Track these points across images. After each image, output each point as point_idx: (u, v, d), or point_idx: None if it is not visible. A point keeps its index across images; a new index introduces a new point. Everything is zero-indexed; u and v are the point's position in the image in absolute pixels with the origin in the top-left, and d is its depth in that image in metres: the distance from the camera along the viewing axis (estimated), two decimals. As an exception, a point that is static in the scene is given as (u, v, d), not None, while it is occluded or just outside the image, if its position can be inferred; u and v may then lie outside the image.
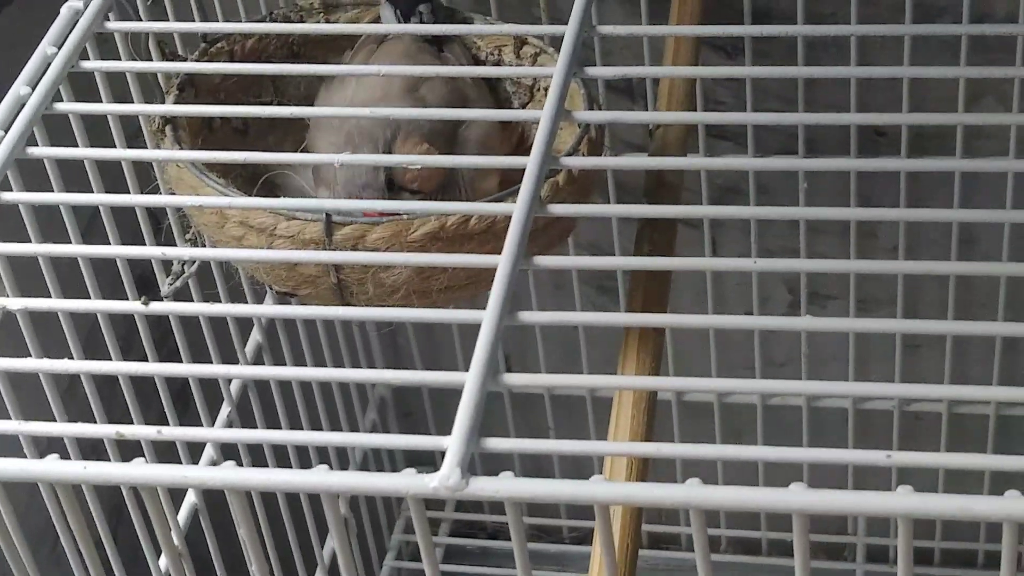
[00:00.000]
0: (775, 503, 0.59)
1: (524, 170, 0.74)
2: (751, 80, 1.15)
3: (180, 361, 0.98)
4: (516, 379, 0.67)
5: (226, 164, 0.90)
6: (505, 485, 0.60)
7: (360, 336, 1.35)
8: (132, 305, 0.69)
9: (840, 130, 1.18)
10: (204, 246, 0.91)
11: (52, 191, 0.83)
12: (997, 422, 1.30)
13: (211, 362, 1.02)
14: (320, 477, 0.61)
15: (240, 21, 1.01)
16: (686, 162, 0.96)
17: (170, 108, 0.89)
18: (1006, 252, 1.20)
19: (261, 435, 0.68)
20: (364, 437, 0.65)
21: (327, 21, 1.01)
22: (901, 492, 0.58)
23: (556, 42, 0.86)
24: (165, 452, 0.97)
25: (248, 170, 0.94)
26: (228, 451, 1.08)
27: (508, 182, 0.92)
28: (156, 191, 0.92)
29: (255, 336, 1.12)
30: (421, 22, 0.98)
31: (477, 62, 1.02)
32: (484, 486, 0.61)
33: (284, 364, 1.15)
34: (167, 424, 0.94)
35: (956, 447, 1.32)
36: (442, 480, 0.60)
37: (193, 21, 0.98)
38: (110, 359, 0.87)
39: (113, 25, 0.86)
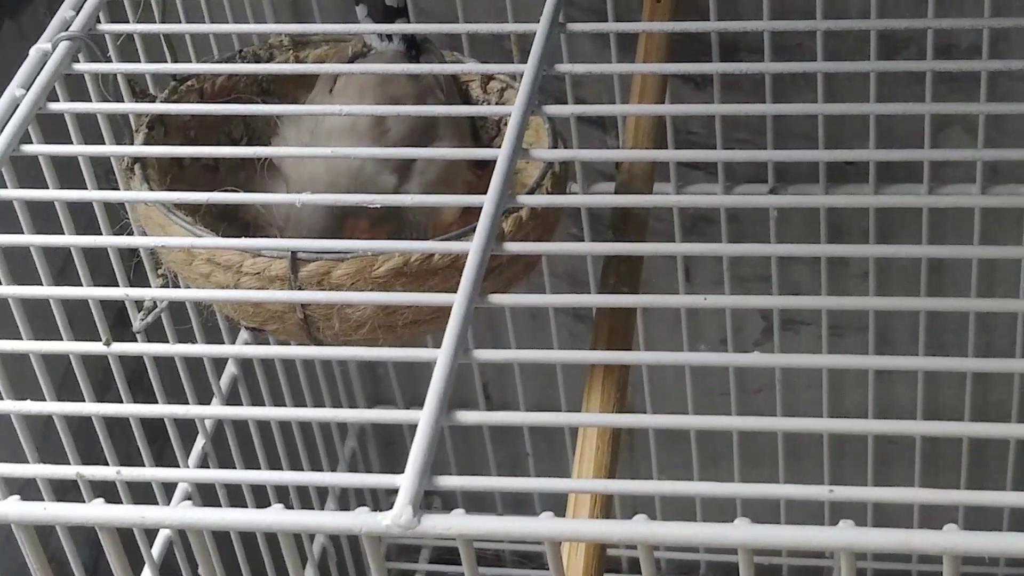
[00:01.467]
0: (715, 537, 0.60)
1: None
2: (722, 99, 1.17)
3: (157, 396, 0.99)
4: (469, 416, 0.68)
5: (198, 205, 0.92)
6: (456, 522, 0.61)
7: (338, 363, 1.36)
8: (95, 346, 0.70)
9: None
10: (175, 282, 0.92)
11: (22, 230, 0.84)
12: (971, 444, 1.31)
13: (186, 397, 1.03)
14: (275, 517, 0.62)
15: (212, 57, 1.02)
16: (654, 199, 0.97)
17: (138, 149, 0.90)
18: (974, 283, 1.22)
19: (224, 475, 0.69)
20: (317, 476, 0.66)
21: (296, 58, 1.02)
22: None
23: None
24: (139, 489, 0.98)
25: (218, 206, 0.95)
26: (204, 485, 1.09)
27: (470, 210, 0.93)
28: (128, 226, 0.93)
29: (230, 368, 1.13)
30: (400, 38, 0.99)
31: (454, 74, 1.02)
32: (436, 524, 0.62)
33: (260, 394, 1.16)
34: (141, 462, 0.95)
35: (931, 469, 1.33)
36: (394, 519, 0.62)
37: (164, 58, 0.99)
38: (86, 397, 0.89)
39: (82, 67, 0.87)
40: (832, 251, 1.04)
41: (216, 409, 0.98)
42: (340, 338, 0.88)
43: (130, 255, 0.96)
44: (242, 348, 0.88)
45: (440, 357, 0.68)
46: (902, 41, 1.15)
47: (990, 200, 1.10)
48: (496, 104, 1.01)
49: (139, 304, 0.97)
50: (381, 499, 1.48)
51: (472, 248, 0.74)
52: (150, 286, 0.98)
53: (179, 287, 0.91)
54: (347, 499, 1.39)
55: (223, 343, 1.08)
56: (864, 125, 1.16)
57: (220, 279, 0.87)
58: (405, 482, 0.63)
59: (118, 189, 0.93)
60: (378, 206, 0.86)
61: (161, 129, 0.96)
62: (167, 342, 0.99)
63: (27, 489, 0.75)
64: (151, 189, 0.90)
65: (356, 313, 0.87)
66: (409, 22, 0.99)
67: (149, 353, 0.71)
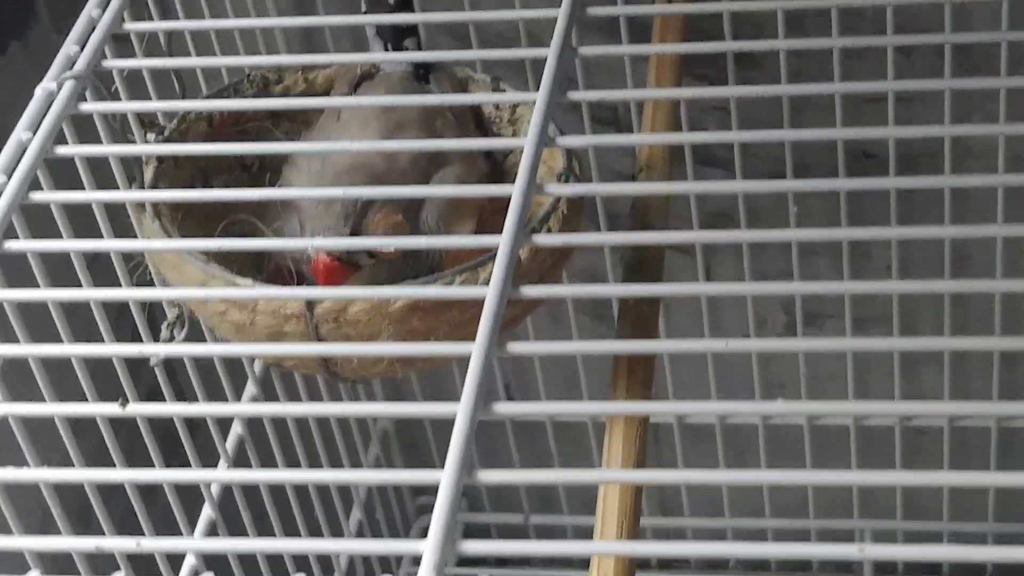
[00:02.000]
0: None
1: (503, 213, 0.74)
2: (737, 111, 1.15)
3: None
4: (492, 475, 0.67)
5: (211, 233, 0.91)
6: None
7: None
8: (110, 408, 0.69)
9: (829, 155, 1.18)
10: (190, 315, 0.91)
11: (35, 278, 0.83)
12: (1000, 434, 1.30)
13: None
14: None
15: (221, 84, 1.01)
16: (672, 187, 0.95)
17: (148, 195, 0.88)
18: (1000, 268, 1.20)
19: (242, 544, 0.68)
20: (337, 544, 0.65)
21: (305, 79, 1.01)
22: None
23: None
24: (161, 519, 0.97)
25: (231, 236, 0.94)
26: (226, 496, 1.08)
27: (483, 223, 0.92)
28: (142, 263, 0.92)
29: (250, 388, 1.12)
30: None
31: (464, 90, 1.01)
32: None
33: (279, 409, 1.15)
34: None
35: (959, 459, 1.32)
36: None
37: (173, 85, 0.98)
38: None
39: (88, 107, 0.86)
40: (853, 234, 1.03)
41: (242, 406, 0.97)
42: (359, 372, 0.88)
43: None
44: (253, 407, 0.87)
45: (460, 412, 0.67)
46: (919, 31, 1.13)
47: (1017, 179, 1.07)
48: (508, 121, 0.99)
49: (155, 334, 0.96)
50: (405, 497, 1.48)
51: (489, 293, 0.73)
52: (165, 315, 0.97)
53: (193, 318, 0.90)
54: (373, 500, 1.39)
55: (242, 373, 1.06)
56: (884, 122, 1.14)
57: (235, 317, 0.86)
58: (428, 549, 0.62)
59: (129, 219, 0.92)
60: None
61: (171, 160, 0.95)
62: (183, 373, 0.99)
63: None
64: (162, 222, 0.89)
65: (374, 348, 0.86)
66: (418, 36, 0.97)
67: (161, 414, 0.70)
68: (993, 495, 1.33)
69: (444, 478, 0.65)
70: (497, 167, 0.99)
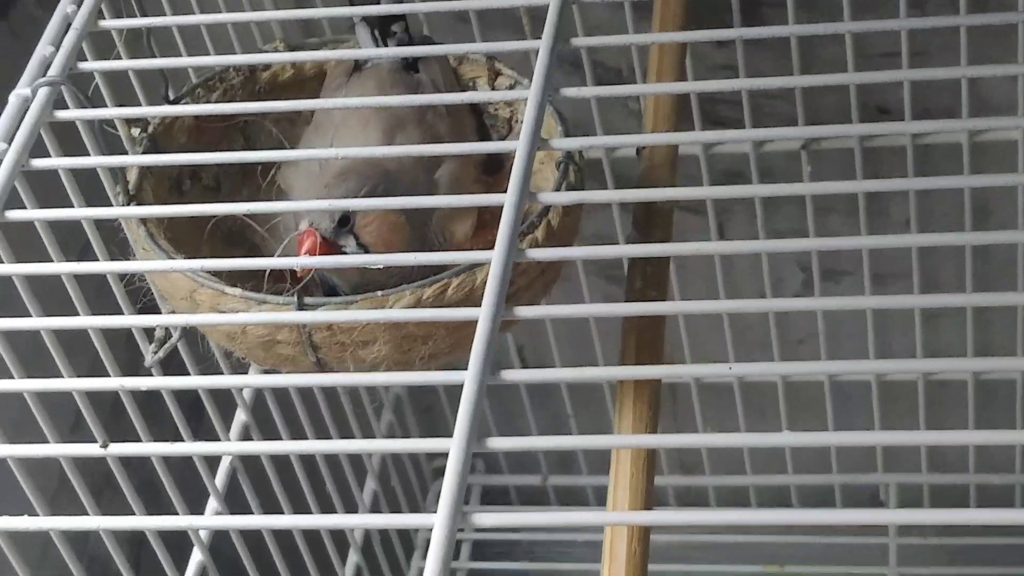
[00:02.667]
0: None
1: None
2: (746, 69, 1.11)
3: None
4: (502, 442, 0.66)
5: (202, 228, 0.88)
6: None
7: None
8: (90, 448, 0.67)
9: (842, 112, 1.14)
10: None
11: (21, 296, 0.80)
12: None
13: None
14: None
15: (210, 70, 0.97)
16: (677, 191, 0.91)
17: (130, 211, 0.84)
18: (1021, 220, 1.16)
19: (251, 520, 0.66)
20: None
21: (293, 65, 0.97)
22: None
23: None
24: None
25: (223, 231, 0.92)
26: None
27: (482, 224, 0.89)
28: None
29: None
30: (397, 43, 0.94)
31: (457, 78, 0.98)
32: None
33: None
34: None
35: (984, 413, 1.29)
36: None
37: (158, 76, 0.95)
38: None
39: (65, 114, 0.82)
40: (869, 186, 0.99)
41: (232, 446, 0.94)
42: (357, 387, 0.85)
43: (136, 300, 0.92)
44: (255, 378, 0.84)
45: (468, 379, 0.65)
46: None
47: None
48: (505, 103, 0.96)
49: (149, 337, 0.94)
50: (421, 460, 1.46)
51: (495, 256, 0.70)
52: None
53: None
54: (387, 468, 1.37)
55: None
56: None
57: (227, 329, 0.84)
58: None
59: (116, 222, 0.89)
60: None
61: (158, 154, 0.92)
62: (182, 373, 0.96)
63: None
64: (148, 227, 0.86)
65: (370, 355, 0.83)
66: (405, 19, 0.94)
67: (148, 454, 0.68)
68: (1020, 446, 1.31)
69: (453, 447, 0.63)
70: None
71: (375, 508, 1.30)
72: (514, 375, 0.68)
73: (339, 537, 1.23)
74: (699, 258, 1.29)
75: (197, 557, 0.99)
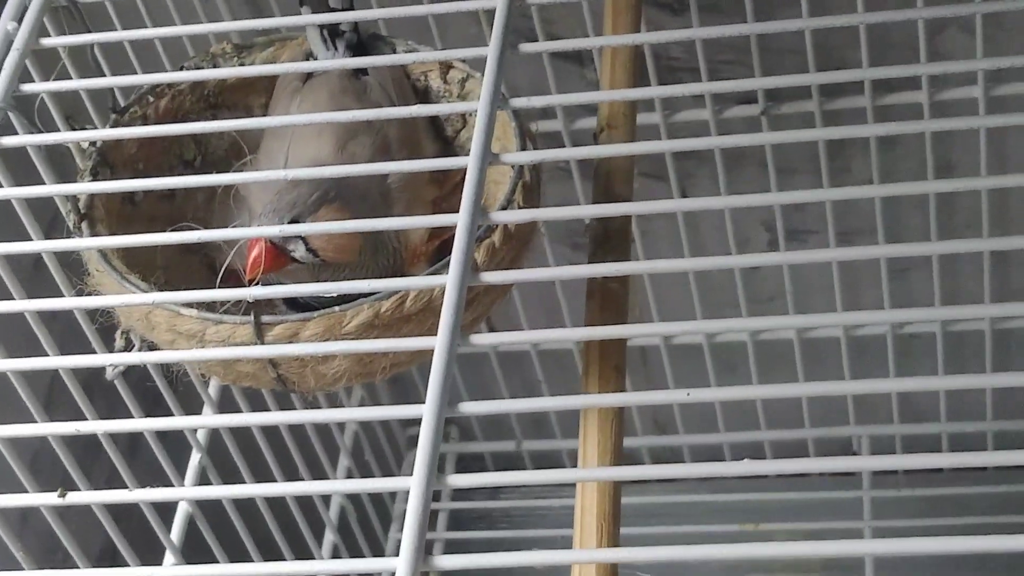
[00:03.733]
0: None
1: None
2: (704, 46, 1.10)
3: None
4: (473, 406, 0.67)
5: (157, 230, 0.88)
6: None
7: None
8: (48, 498, 0.66)
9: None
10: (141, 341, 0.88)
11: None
12: (994, 336, 1.27)
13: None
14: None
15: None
16: (640, 147, 0.91)
17: (76, 243, 0.83)
18: (984, 168, 1.16)
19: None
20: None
21: (242, 64, 0.96)
22: None
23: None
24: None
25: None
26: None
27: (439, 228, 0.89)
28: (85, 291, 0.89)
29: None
30: (346, 43, 0.93)
31: (407, 74, 0.97)
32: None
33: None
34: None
35: (954, 364, 1.29)
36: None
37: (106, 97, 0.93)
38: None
39: (9, 140, 0.81)
40: (827, 134, 0.96)
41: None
42: (318, 388, 0.84)
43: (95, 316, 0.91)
44: (216, 419, 0.84)
45: (426, 413, 0.65)
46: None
47: (995, 120, 1.03)
48: (458, 96, 0.95)
49: (109, 346, 0.93)
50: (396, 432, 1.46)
51: (448, 281, 0.70)
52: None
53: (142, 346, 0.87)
54: (360, 444, 1.37)
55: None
56: (855, 35, 1.10)
57: (184, 347, 0.83)
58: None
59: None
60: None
61: (107, 170, 0.90)
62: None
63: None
64: (103, 253, 0.85)
65: (331, 370, 0.82)
66: (356, 24, 0.92)
67: (106, 501, 0.67)
68: (991, 394, 1.31)
69: (425, 412, 0.65)
70: (449, 147, 0.95)
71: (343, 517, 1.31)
72: (482, 339, 0.70)
73: (314, 518, 1.23)
74: (663, 224, 1.28)
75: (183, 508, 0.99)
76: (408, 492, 0.63)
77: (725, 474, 0.65)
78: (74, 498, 0.67)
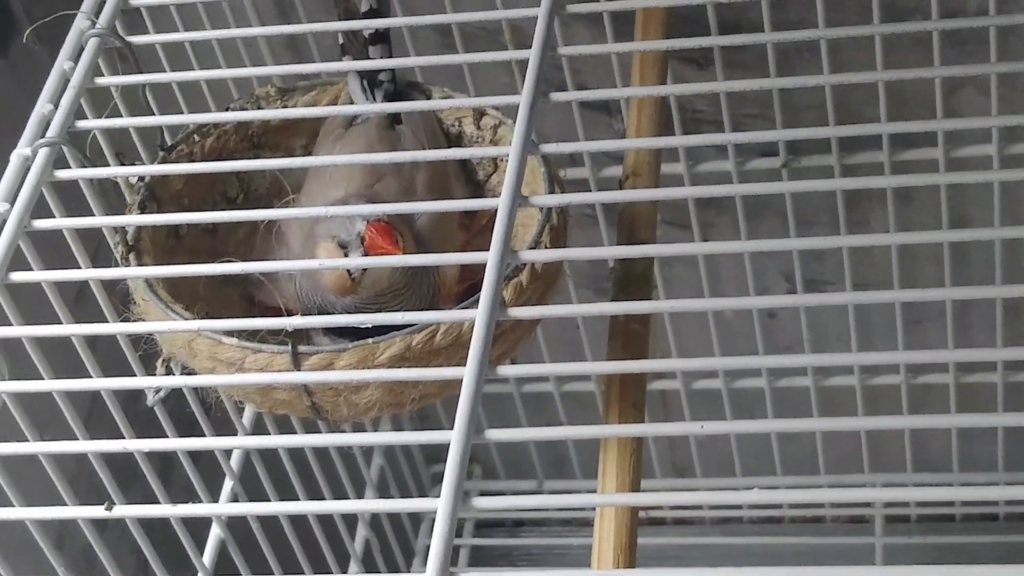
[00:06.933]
0: None
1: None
2: (724, 70, 1.14)
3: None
4: (499, 434, 0.71)
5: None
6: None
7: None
8: (95, 511, 0.70)
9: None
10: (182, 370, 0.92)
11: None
12: (1006, 388, 1.30)
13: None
14: None
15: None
16: (665, 193, 0.95)
17: (123, 271, 0.87)
18: (998, 220, 1.19)
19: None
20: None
21: (285, 107, 1.00)
22: None
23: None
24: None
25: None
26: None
27: (469, 268, 0.92)
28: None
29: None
30: (384, 93, 0.97)
31: (441, 121, 1.01)
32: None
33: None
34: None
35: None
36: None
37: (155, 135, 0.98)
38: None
39: (64, 174, 0.85)
40: (845, 184, 1.03)
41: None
42: (350, 417, 0.88)
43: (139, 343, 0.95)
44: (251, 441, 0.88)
45: (454, 439, 0.69)
46: (907, 10, 1.12)
47: (1010, 175, 1.07)
48: (490, 141, 0.99)
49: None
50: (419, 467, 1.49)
51: (478, 314, 0.74)
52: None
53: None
54: (386, 478, 1.40)
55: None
56: (874, 92, 1.13)
57: (224, 371, 0.87)
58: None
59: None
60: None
61: (154, 205, 0.95)
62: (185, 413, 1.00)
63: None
64: (148, 283, 0.89)
65: (363, 400, 0.86)
66: (393, 72, 0.97)
67: (147, 515, 0.71)
68: (1002, 445, 1.34)
69: (453, 437, 0.68)
70: (479, 192, 0.99)
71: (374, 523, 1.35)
72: (509, 370, 0.75)
73: (340, 552, 1.26)
74: (685, 271, 1.32)
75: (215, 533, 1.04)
76: (435, 515, 0.66)
77: (741, 502, 0.68)
78: (120, 511, 0.70)
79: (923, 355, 0.99)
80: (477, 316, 0.74)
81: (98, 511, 0.70)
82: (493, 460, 1.47)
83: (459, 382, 0.72)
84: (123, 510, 0.71)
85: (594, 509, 0.82)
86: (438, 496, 0.67)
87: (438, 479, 1.48)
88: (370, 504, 1.12)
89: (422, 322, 0.84)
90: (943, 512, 1.40)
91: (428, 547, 1.38)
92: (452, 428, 0.69)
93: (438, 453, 1.48)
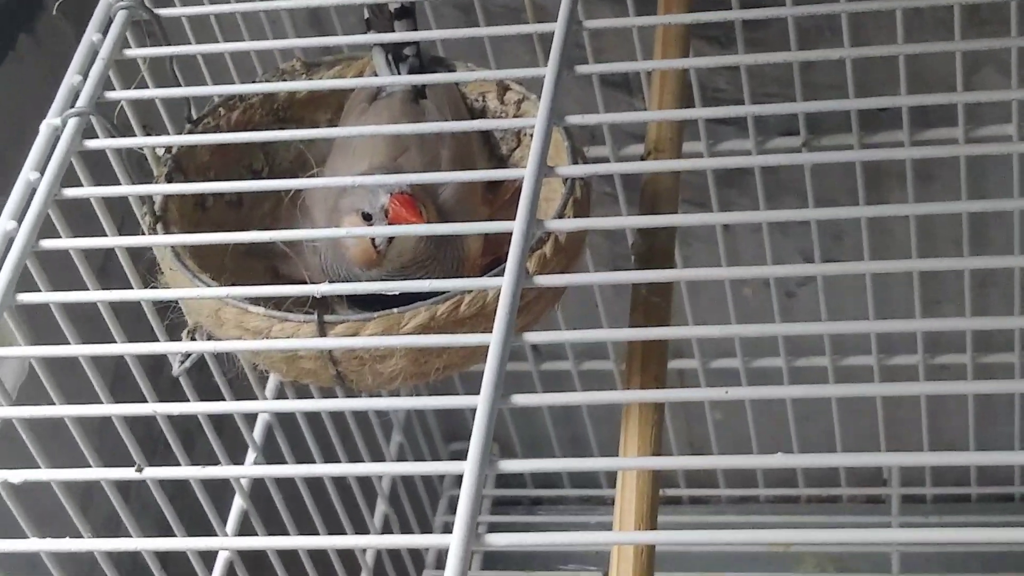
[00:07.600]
0: None
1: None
2: (747, 67, 1.15)
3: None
4: (524, 399, 0.72)
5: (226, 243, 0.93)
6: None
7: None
8: (126, 472, 0.71)
9: (840, 113, 1.18)
10: (207, 338, 0.93)
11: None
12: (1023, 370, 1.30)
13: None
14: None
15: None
16: (685, 164, 0.96)
17: (160, 240, 0.89)
18: (1017, 190, 1.20)
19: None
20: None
21: (310, 79, 1.01)
22: None
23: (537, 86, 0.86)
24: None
25: (244, 245, 0.96)
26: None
27: (493, 242, 0.93)
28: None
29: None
30: (409, 67, 0.98)
31: (464, 96, 1.02)
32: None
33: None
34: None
35: (983, 397, 1.33)
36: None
37: (182, 108, 0.99)
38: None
39: (93, 144, 0.86)
40: (865, 156, 1.04)
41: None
42: (374, 390, 0.89)
43: (165, 313, 0.96)
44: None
45: (480, 403, 0.69)
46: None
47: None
48: (514, 117, 1.00)
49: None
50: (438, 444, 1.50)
51: (504, 282, 0.75)
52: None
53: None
54: (405, 455, 1.41)
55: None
56: (894, 70, 1.13)
57: (250, 340, 0.88)
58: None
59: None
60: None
61: (180, 176, 0.96)
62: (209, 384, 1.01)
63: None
64: (176, 252, 0.90)
65: (387, 368, 0.87)
66: (418, 45, 0.97)
67: (174, 476, 0.72)
68: (1019, 421, 1.34)
69: (481, 400, 0.70)
70: (503, 166, 1.00)
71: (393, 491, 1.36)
72: (535, 336, 0.75)
73: (352, 562, 1.27)
74: (705, 252, 1.32)
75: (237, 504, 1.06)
76: (454, 493, 0.67)
77: (757, 466, 0.69)
78: (149, 472, 0.71)
79: (941, 323, 0.99)
80: (504, 282, 0.75)
81: (128, 472, 0.71)
82: (512, 440, 1.48)
83: (482, 353, 0.73)
84: (152, 471, 0.71)
85: (613, 487, 0.83)
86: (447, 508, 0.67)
87: (457, 456, 1.49)
88: (395, 467, 1.14)
89: (449, 290, 0.85)
90: (959, 492, 1.40)
91: (446, 524, 1.40)
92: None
93: (456, 431, 1.49)
